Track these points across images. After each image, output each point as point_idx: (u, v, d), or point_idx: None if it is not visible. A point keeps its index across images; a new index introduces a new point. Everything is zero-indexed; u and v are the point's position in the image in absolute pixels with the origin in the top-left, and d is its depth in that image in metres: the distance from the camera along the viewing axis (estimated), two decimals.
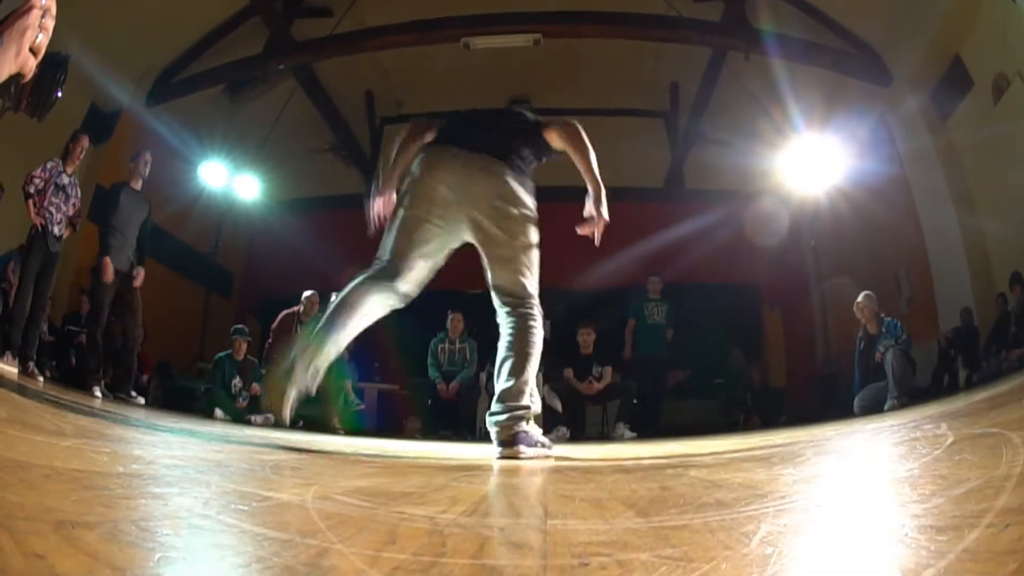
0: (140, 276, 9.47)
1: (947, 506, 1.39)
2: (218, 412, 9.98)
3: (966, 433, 3.09)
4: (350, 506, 1.56)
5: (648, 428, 10.63)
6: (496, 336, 4.81)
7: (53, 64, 2.12)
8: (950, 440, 2.72)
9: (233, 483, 2.01)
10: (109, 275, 9.02)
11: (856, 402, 9.54)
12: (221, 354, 10.98)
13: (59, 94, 2.21)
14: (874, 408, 9.00)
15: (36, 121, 2.32)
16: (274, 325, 10.85)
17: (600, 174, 4.52)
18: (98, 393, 8.72)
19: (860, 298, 10.00)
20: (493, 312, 4.91)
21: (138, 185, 9.53)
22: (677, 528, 1.35)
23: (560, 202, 15.43)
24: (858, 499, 1.80)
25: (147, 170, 9.58)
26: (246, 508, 1.48)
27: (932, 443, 2.76)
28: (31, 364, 8.40)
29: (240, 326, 11.37)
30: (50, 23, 2.01)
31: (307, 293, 10.84)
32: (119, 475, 1.86)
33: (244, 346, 11.02)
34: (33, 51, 1.97)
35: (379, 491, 1.98)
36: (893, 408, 8.54)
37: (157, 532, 1.17)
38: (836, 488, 2.13)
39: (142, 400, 9.28)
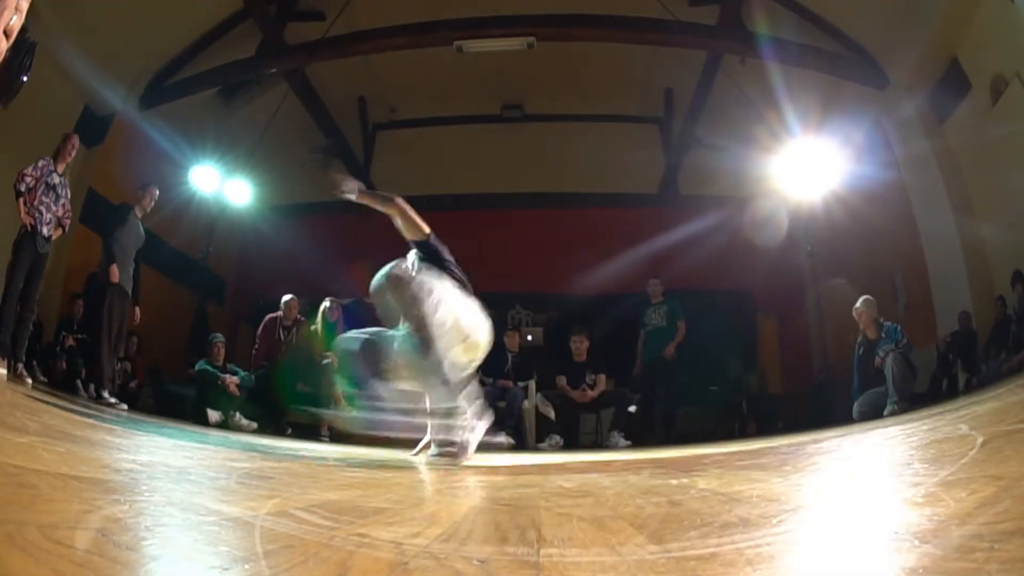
0: (137, 316, 9.65)
1: (1018, 507, 1.22)
2: (212, 415, 9.87)
3: (996, 431, 2.95)
4: (306, 526, 1.37)
5: (644, 436, 10.49)
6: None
7: (20, 50, 1.99)
8: (981, 440, 2.54)
9: (183, 493, 1.85)
10: (116, 275, 9.08)
11: (855, 407, 9.43)
12: (202, 363, 10.82)
13: (25, 79, 2.07)
14: (873, 414, 8.89)
15: (1, 107, 2.18)
16: (259, 331, 10.76)
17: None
18: (107, 394, 8.81)
19: (859, 303, 9.88)
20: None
21: (140, 214, 9.58)
22: (704, 559, 1.13)
23: (554, 208, 15.42)
24: (916, 508, 1.50)
25: (151, 205, 9.68)
26: (180, 523, 1.31)
27: (962, 444, 2.58)
28: (20, 366, 8.27)
29: (216, 333, 11.32)
30: (25, 5, 1.87)
31: (286, 297, 10.77)
32: (57, 475, 1.73)
33: (222, 350, 10.89)
34: (6, 33, 1.83)
35: (348, 507, 1.80)
36: (893, 413, 8.44)
37: (58, 543, 1.03)
38: (877, 498, 1.88)
39: (125, 407, 9.14)
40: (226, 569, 1.00)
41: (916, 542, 1.10)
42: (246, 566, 1.04)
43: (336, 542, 1.24)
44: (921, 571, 0.96)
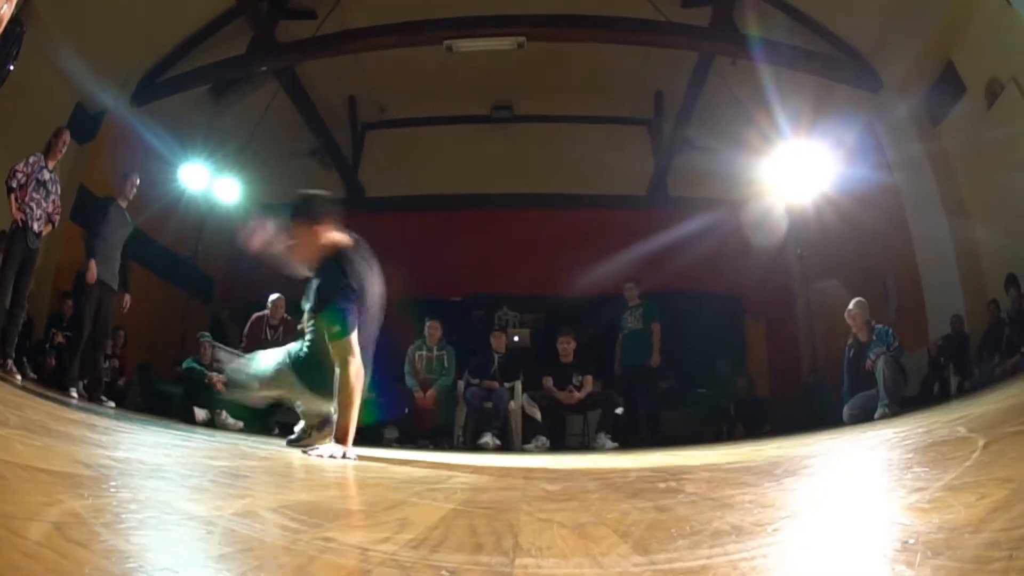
0: (127, 304, 9.61)
1: None
2: (198, 413, 9.81)
3: (998, 433, 2.89)
4: (271, 528, 1.29)
5: (631, 439, 10.44)
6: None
7: (8, 39, 1.94)
8: (983, 442, 2.47)
9: (151, 490, 1.79)
10: (93, 275, 8.96)
11: (845, 411, 9.37)
12: (189, 361, 10.81)
13: (11, 67, 2.03)
14: (864, 417, 8.84)
15: None
16: (245, 330, 10.72)
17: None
18: (74, 393, 8.62)
19: (852, 305, 9.82)
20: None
21: (124, 204, 9.47)
22: (693, 573, 1.04)
23: (543, 209, 15.37)
24: (924, 515, 1.38)
25: (133, 192, 9.55)
26: (139, 521, 1.25)
27: (963, 447, 2.52)
28: (9, 362, 8.25)
29: (204, 332, 11.30)
30: None
31: (273, 296, 10.69)
32: (27, 467, 1.68)
33: (210, 349, 10.88)
34: None
35: (320, 508, 1.73)
36: (884, 416, 8.39)
37: (12, 533, 1.00)
38: (879, 504, 1.77)
39: (112, 404, 9.08)
40: (175, 572, 0.94)
41: (929, 553, 1.01)
42: (197, 570, 0.98)
43: (298, 546, 1.17)
44: None
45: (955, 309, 11.01)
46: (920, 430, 4.07)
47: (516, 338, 13.68)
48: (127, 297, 9.58)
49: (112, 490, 1.61)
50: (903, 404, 8.83)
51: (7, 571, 0.84)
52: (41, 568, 0.89)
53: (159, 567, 0.96)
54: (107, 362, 10.31)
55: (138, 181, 9.57)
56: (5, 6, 1.76)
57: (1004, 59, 9.89)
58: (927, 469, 2.17)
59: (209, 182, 14.58)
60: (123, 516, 1.26)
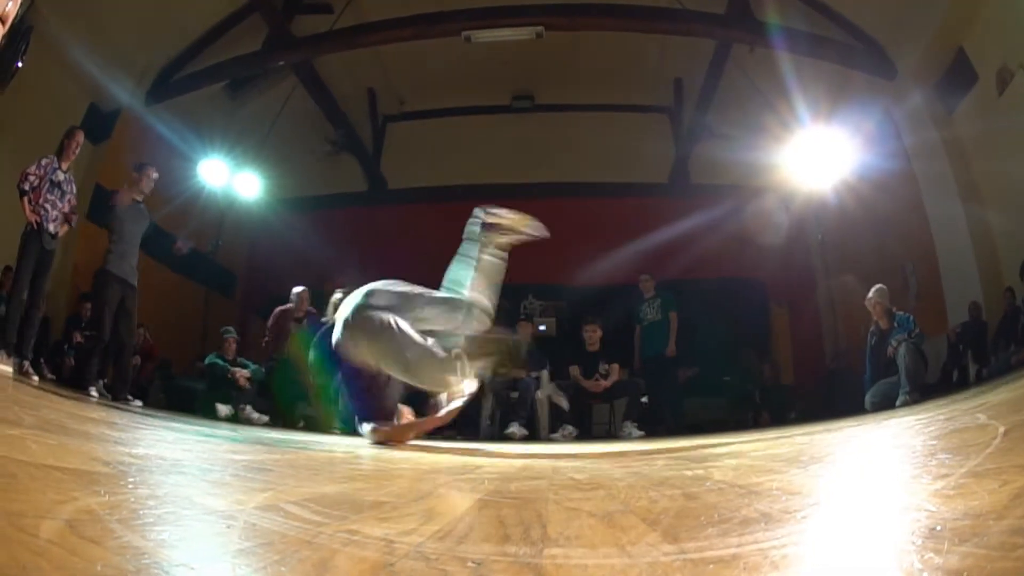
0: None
1: None
2: (221, 409, 9.80)
3: (1017, 420, 2.87)
4: (293, 521, 1.26)
5: (657, 427, 10.41)
6: None
7: (16, 35, 1.93)
8: (1003, 429, 2.44)
9: (171, 485, 1.76)
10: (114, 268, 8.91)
11: (868, 398, 9.36)
12: (212, 357, 10.81)
13: (19, 64, 2.02)
14: (886, 404, 8.80)
15: None
16: (269, 323, 10.71)
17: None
18: (94, 392, 8.53)
19: (872, 293, 9.80)
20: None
21: (140, 198, 9.33)
22: (724, 562, 1.01)
23: (566, 198, 15.34)
24: (949, 502, 1.34)
25: (150, 185, 9.37)
26: (156, 517, 1.22)
27: (984, 434, 2.50)
28: (26, 364, 8.22)
29: (228, 327, 11.27)
30: None
31: (297, 289, 10.72)
32: (40, 466, 1.64)
33: (233, 345, 10.86)
34: (2, 19, 1.78)
35: (344, 500, 1.70)
36: (905, 404, 8.35)
37: (22, 531, 0.98)
38: (906, 490, 1.70)
39: (139, 403, 9.07)
40: (192, 567, 0.92)
41: (956, 540, 1.00)
42: (216, 565, 0.96)
43: (321, 539, 1.14)
44: (965, 574, 0.88)
45: (973, 296, 11.02)
46: (941, 417, 4.04)
47: (542, 327, 13.67)
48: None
49: (130, 486, 1.58)
50: (924, 391, 8.79)
51: (14, 570, 0.83)
52: (50, 566, 0.87)
53: (175, 563, 0.94)
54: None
55: (155, 175, 9.40)
56: (10, 3, 1.76)
57: (1013, 47, 9.91)
58: (950, 456, 2.13)
59: (229, 177, 14.60)
60: (140, 512, 1.24)
